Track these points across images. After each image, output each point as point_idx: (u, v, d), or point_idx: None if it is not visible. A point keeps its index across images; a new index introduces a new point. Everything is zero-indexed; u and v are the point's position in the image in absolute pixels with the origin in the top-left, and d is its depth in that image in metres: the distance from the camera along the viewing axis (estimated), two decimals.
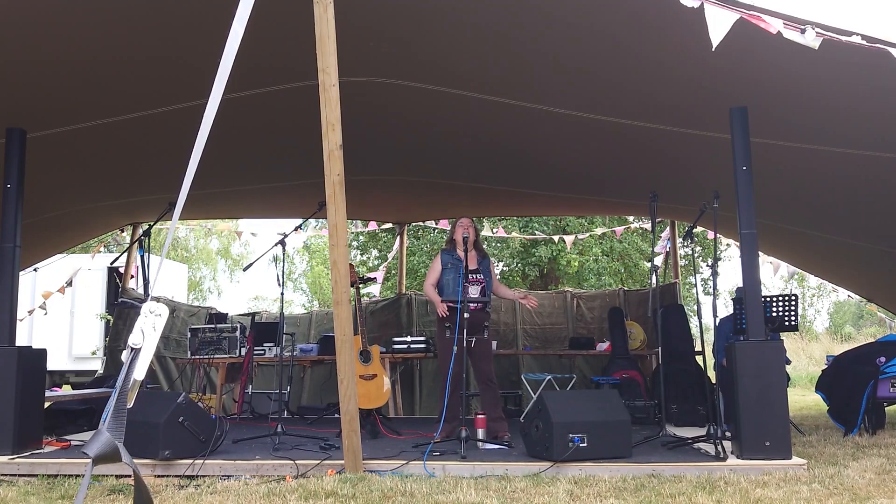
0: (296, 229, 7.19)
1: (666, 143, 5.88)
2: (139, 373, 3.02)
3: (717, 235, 5.88)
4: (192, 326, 8.43)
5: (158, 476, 4.49)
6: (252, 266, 6.57)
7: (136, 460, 3.05)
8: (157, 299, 3.94)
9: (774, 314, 6.68)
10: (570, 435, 4.54)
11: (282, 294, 6.15)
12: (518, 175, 7.71)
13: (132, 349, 3.05)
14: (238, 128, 5.80)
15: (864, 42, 3.62)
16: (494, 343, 7.18)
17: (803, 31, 3.65)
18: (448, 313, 5.78)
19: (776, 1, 3.71)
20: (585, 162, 7.01)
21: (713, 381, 6.44)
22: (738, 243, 5.97)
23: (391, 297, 10.46)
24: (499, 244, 15.98)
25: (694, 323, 10.23)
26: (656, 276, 6.18)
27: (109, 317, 11.97)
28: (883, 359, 6.57)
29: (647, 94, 5.16)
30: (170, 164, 5.02)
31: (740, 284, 5.42)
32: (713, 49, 3.60)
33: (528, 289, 14.81)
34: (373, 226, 11.63)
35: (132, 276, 9.60)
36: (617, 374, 7.85)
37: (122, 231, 9.93)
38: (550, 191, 8.33)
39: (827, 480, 4.22)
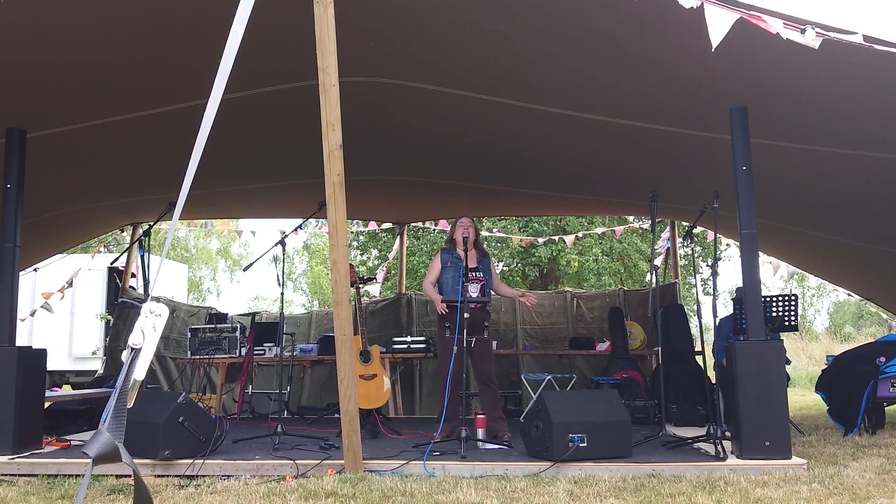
0: (296, 229, 7.18)
1: (666, 143, 5.88)
2: (139, 373, 3.02)
3: (717, 235, 5.88)
4: (192, 326, 8.43)
5: (158, 476, 4.49)
6: (252, 266, 6.57)
7: (136, 460, 3.05)
8: (157, 299, 3.94)
9: (774, 314, 6.69)
10: (570, 435, 4.54)
11: (282, 294, 6.15)
12: (518, 175, 7.71)
13: (132, 349, 3.05)
14: (238, 128, 5.80)
15: (864, 42, 3.62)
16: (494, 343, 7.18)
17: (803, 31, 3.64)
18: (447, 311, 5.78)
19: (776, 1, 3.71)
20: (585, 162, 7.01)
21: (713, 381, 6.44)
22: (738, 243, 5.97)
23: (391, 297, 10.46)
24: (499, 244, 15.99)
25: (694, 323, 10.23)
26: (656, 276, 6.18)
27: (109, 317, 11.98)
28: (883, 359, 6.57)
29: (647, 94, 5.16)
30: (170, 164, 5.03)
31: (740, 284, 5.42)
32: (713, 49, 3.60)
33: (528, 289, 14.82)
34: (373, 226, 11.63)
35: (133, 276, 9.60)
36: (617, 374, 7.84)
37: (122, 231, 9.93)
38: (550, 191, 8.33)
39: (827, 480, 4.22)
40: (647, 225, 11.73)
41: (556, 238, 13.55)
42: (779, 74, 4.51)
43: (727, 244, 10.46)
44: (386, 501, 3.77)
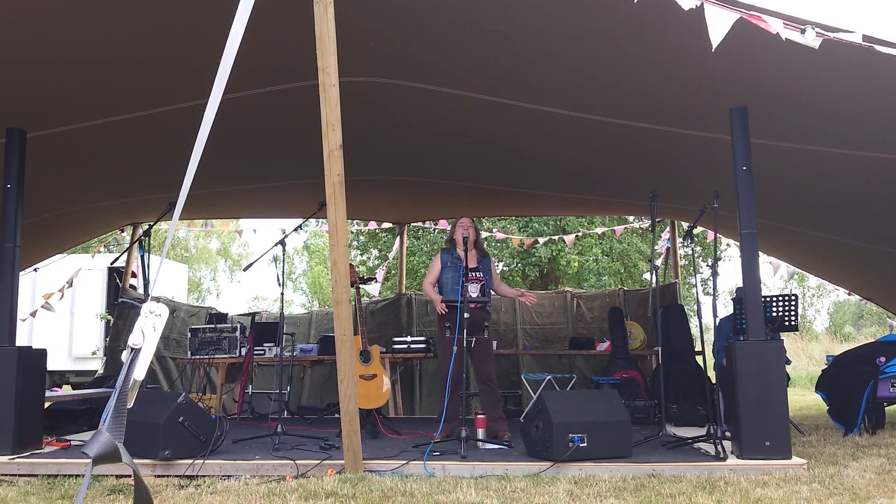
0: (296, 229, 7.19)
1: (666, 143, 5.88)
2: (139, 373, 3.02)
3: (717, 235, 5.88)
4: (192, 326, 8.43)
5: (158, 476, 4.49)
6: (252, 266, 6.58)
7: (136, 460, 3.05)
8: (157, 299, 3.94)
9: (774, 314, 6.68)
10: (570, 435, 4.54)
11: (282, 294, 6.15)
12: (518, 175, 7.71)
13: (132, 349, 3.05)
14: (238, 128, 5.80)
15: (863, 42, 3.62)
16: (494, 343, 7.18)
17: (803, 31, 3.64)
18: (447, 311, 5.78)
19: (776, 1, 3.71)
20: (585, 162, 7.01)
21: (713, 381, 6.44)
22: (738, 243, 5.96)
23: (391, 297, 10.46)
24: (498, 244, 16.00)
25: (694, 323, 10.22)
26: (656, 275, 6.18)
27: (109, 317, 11.97)
28: (883, 359, 6.57)
29: (647, 94, 5.16)
30: (170, 164, 5.02)
31: (740, 284, 5.42)
32: (713, 49, 3.60)
33: (528, 289, 14.82)
34: (372, 225, 11.63)
35: (133, 276, 9.60)
36: (617, 374, 7.84)
37: (122, 231, 9.93)
38: (550, 191, 8.33)
39: (827, 480, 4.22)
40: (647, 224, 11.72)
41: (556, 238, 13.54)
42: (779, 74, 4.51)
43: (727, 244, 10.46)
44: (386, 501, 3.77)
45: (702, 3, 3.61)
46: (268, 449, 5.11)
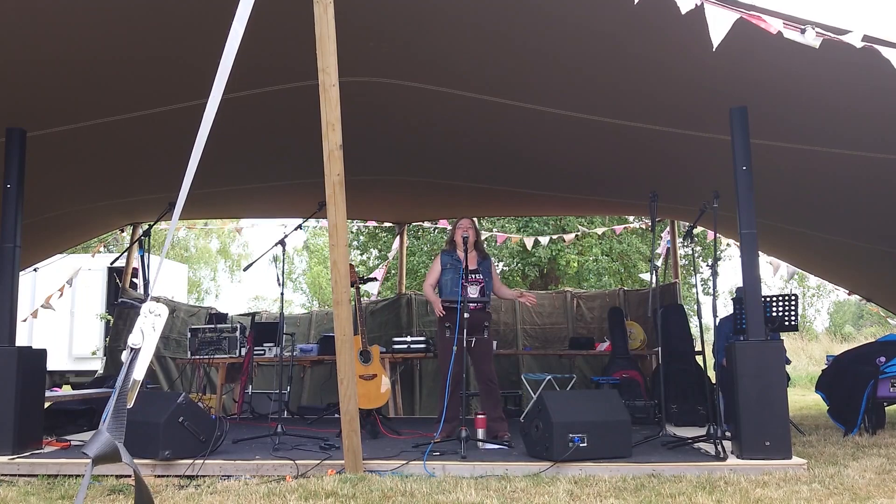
0: (296, 229, 7.18)
1: (666, 143, 5.88)
2: (139, 373, 3.02)
3: (717, 235, 5.88)
4: (192, 326, 8.43)
5: (158, 476, 4.49)
6: (252, 266, 6.57)
7: (136, 460, 3.05)
8: (157, 299, 3.94)
9: (774, 314, 6.68)
10: (570, 435, 4.54)
11: (282, 294, 6.15)
12: (518, 175, 7.71)
13: (132, 349, 3.05)
14: (238, 128, 5.80)
15: (864, 43, 3.62)
16: (494, 343, 7.18)
17: (803, 31, 3.64)
18: (445, 313, 5.78)
19: (776, 1, 3.71)
20: (585, 162, 7.01)
21: (713, 381, 6.44)
22: (738, 243, 5.96)
23: (391, 297, 10.46)
24: (498, 245, 16.00)
25: (694, 323, 10.22)
26: (656, 275, 6.18)
27: (109, 317, 11.98)
28: (883, 359, 6.57)
29: (647, 94, 5.16)
30: (170, 164, 5.02)
31: (740, 284, 5.42)
32: (714, 49, 3.60)
33: (528, 289, 14.81)
34: (372, 223, 11.63)
35: (133, 277, 9.60)
36: (617, 374, 7.84)
37: (122, 231, 9.93)
38: (550, 191, 8.33)
39: (827, 480, 4.22)
40: (647, 224, 11.72)
41: (556, 237, 13.55)
42: (779, 74, 4.51)
43: (727, 244, 10.47)
44: (386, 501, 3.77)
45: (702, 3, 3.61)
46: (268, 449, 5.11)
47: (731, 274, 35.21)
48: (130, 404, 3.00)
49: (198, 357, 8.01)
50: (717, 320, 5.76)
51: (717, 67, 4.43)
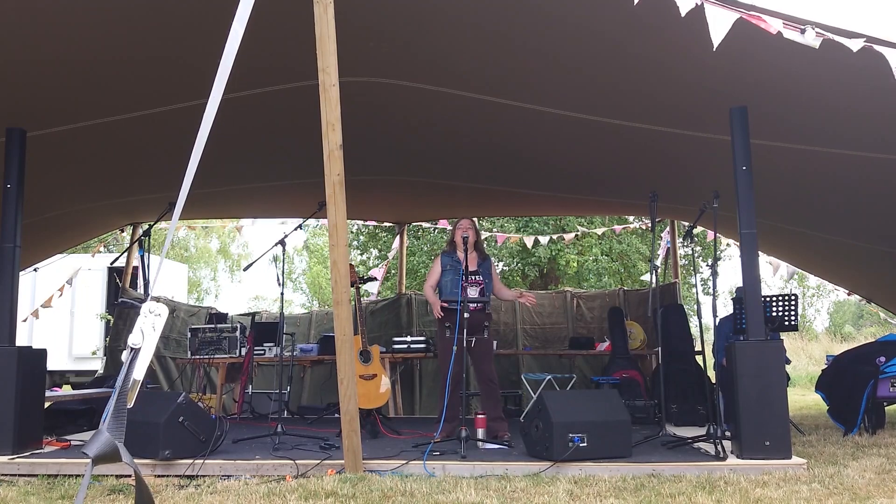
0: (296, 229, 7.19)
1: (666, 143, 5.89)
2: (139, 373, 3.02)
3: (717, 235, 5.88)
4: (192, 326, 8.43)
5: (158, 476, 4.49)
6: (252, 266, 6.57)
7: (136, 460, 3.05)
8: (157, 299, 3.94)
9: (774, 314, 6.68)
10: (570, 435, 4.54)
11: (282, 294, 6.15)
12: (518, 175, 7.71)
13: (132, 349, 3.05)
14: (238, 128, 5.80)
15: (866, 43, 3.62)
16: (494, 343, 7.18)
17: (803, 31, 3.64)
18: (443, 314, 5.78)
19: (776, 1, 3.71)
20: (585, 162, 7.01)
21: (713, 380, 6.44)
22: (738, 243, 5.96)
23: (391, 297, 10.46)
24: (498, 245, 16.01)
25: (694, 323, 10.22)
26: (656, 275, 6.18)
27: (109, 317, 11.98)
28: (883, 358, 6.57)
29: (647, 94, 5.16)
30: (170, 164, 5.02)
31: (740, 284, 5.42)
32: (714, 49, 3.60)
33: (528, 288, 14.81)
34: (372, 223, 11.62)
35: (135, 277, 9.60)
36: (617, 374, 7.84)
37: (122, 231, 9.93)
38: (550, 191, 8.33)
39: (827, 480, 4.22)
40: (646, 224, 11.71)
41: (556, 237, 13.56)
42: (779, 74, 4.51)
43: (727, 244, 10.47)
44: (386, 501, 3.77)
45: (702, 3, 3.61)
46: (268, 449, 5.11)
47: (731, 274, 35.25)
48: (130, 404, 3.00)
49: (198, 357, 8.01)
50: (717, 320, 5.76)
51: (717, 67, 4.43)
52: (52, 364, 8.85)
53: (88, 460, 2.89)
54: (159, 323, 3.10)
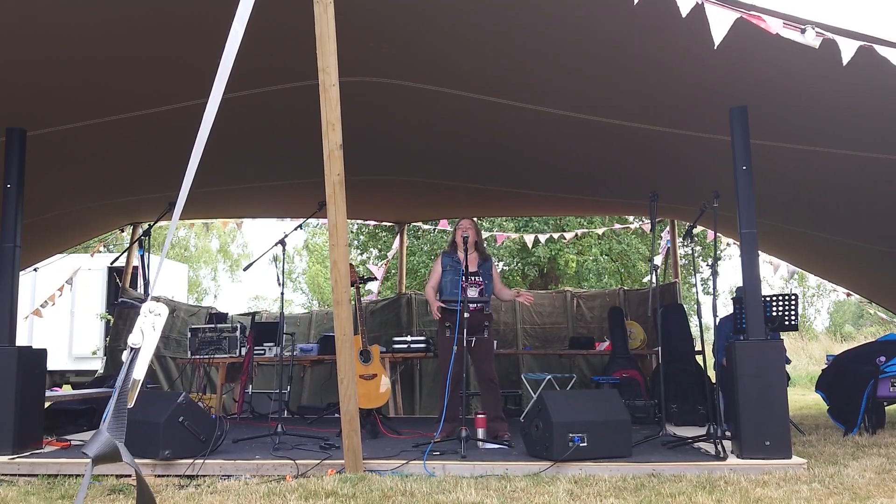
0: (296, 229, 7.19)
1: (666, 143, 5.89)
2: (139, 372, 3.02)
3: (717, 235, 5.88)
4: (192, 326, 8.43)
5: (158, 476, 4.49)
6: (252, 266, 6.57)
7: (136, 460, 3.05)
8: (157, 299, 3.93)
9: (774, 314, 6.69)
10: (570, 434, 4.54)
11: (282, 294, 6.15)
12: (518, 175, 7.71)
13: (132, 349, 3.05)
14: (238, 128, 5.80)
15: (862, 42, 3.62)
16: (495, 342, 7.18)
17: (803, 31, 3.65)
18: (440, 315, 5.78)
19: (776, 1, 3.71)
20: (585, 162, 7.01)
21: (713, 380, 6.44)
22: (738, 243, 5.96)
23: (391, 297, 10.46)
24: (498, 243, 16.00)
25: (694, 323, 10.22)
26: (656, 275, 6.18)
27: (109, 317, 11.98)
28: (883, 358, 6.57)
29: (647, 94, 5.16)
30: (170, 164, 5.03)
31: (740, 284, 5.42)
32: (714, 48, 3.60)
33: (527, 288, 14.81)
34: (372, 223, 11.62)
35: (135, 277, 9.60)
36: (617, 374, 7.85)
37: (122, 231, 9.93)
38: (550, 191, 8.33)
39: (827, 480, 4.22)
40: (647, 224, 11.71)
41: (556, 235, 13.56)
42: (779, 74, 4.51)
43: (727, 244, 10.47)
44: (386, 501, 3.77)
45: (702, 3, 3.61)
46: (268, 449, 5.11)
47: (731, 274, 35.28)
48: (131, 404, 3.00)
49: (198, 357, 8.02)
50: (717, 320, 5.76)
51: (717, 67, 4.43)
52: (53, 364, 8.86)
53: (89, 460, 2.89)
54: (159, 323, 3.09)
